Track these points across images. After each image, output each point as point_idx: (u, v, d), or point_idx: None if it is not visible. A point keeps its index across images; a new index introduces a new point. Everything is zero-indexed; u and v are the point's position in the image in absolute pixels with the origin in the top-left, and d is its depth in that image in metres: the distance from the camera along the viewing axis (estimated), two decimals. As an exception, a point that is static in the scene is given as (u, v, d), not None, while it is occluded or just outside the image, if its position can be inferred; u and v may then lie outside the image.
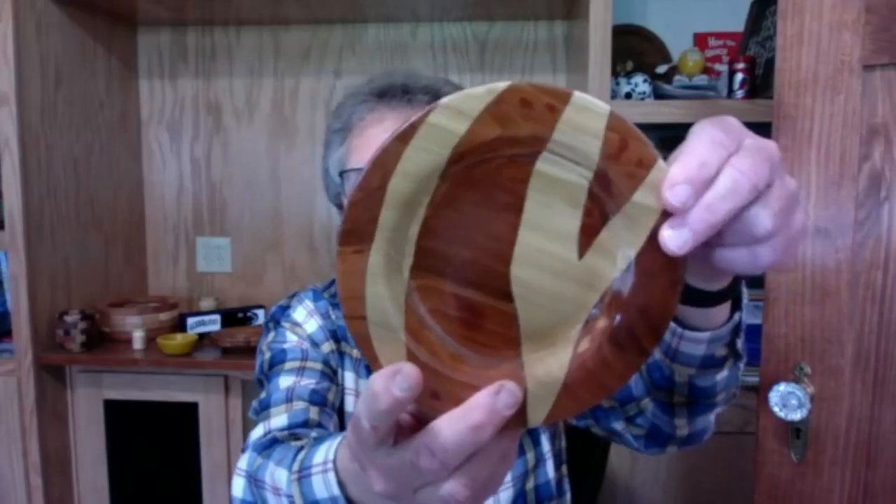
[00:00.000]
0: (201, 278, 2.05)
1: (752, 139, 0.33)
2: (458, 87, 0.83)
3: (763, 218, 0.31)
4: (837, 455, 0.93)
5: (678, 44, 1.83)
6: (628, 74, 1.59)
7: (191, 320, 1.73)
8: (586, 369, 0.35)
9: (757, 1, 1.68)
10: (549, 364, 0.36)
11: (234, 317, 1.79)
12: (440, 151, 0.32)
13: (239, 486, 0.65)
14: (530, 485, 0.83)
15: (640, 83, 1.55)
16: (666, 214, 0.32)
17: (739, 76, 1.54)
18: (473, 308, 0.36)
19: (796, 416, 0.90)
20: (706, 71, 1.71)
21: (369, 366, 0.36)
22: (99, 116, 1.82)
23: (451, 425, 0.32)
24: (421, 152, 0.32)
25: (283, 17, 1.91)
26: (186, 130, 2.02)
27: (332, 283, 0.94)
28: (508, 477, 0.81)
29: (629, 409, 0.71)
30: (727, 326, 0.49)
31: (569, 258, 0.35)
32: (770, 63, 1.48)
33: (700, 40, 1.86)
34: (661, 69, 1.75)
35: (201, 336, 1.72)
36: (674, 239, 0.31)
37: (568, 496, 0.88)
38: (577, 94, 0.32)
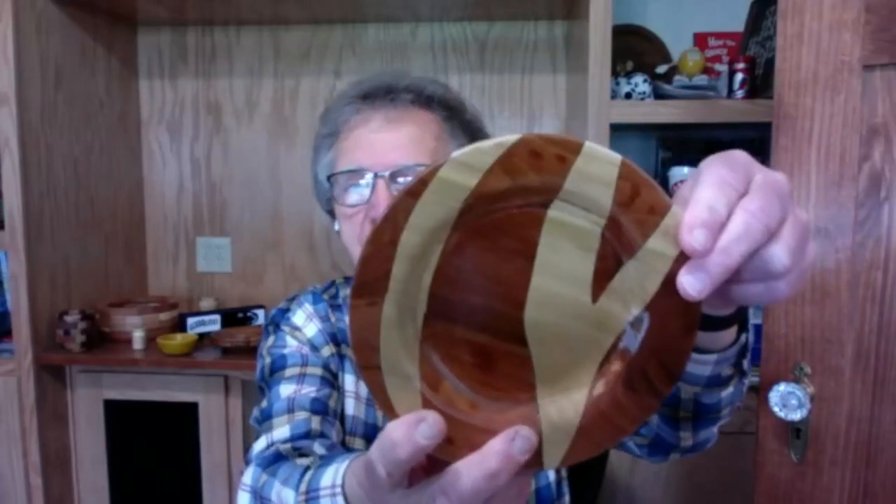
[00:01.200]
0: (201, 278, 2.05)
1: (761, 174, 0.32)
2: (443, 86, 0.83)
3: (780, 256, 0.31)
4: (837, 455, 0.93)
5: (678, 44, 1.83)
6: (628, 74, 1.59)
7: (191, 320, 1.73)
8: (601, 412, 0.36)
9: (757, 1, 1.68)
10: (564, 407, 0.36)
11: (234, 317, 1.79)
12: (451, 204, 0.33)
13: (244, 502, 0.65)
14: (531, 488, 0.83)
15: (640, 83, 1.55)
16: (680, 260, 0.32)
17: (739, 76, 1.54)
18: (487, 352, 0.36)
19: (796, 416, 0.90)
20: (706, 71, 1.71)
21: (384, 415, 0.36)
22: (99, 116, 1.82)
23: (467, 472, 0.32)
24: (431, 206, 0.33)
25: (283, 17, 1.91)
26: (186, 130, 2.02)
27: (332, 284, 0.94)
28: None
29: None
30: (734, 348, 0.50)
31: (583, 302, 0.35)
32: (770, 63, 1.48)
33: (700, 40, 1.86)
34: (661, 69, 1.75)
35: (201, 336, 1.72)
36: (693, 284, 0.31)
37: (567, 498, 0.88)
38: (588, 145, 0.32)
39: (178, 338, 1.65)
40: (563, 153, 0.32)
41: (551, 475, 0.85)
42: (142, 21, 1.96)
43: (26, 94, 1.54)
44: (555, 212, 0.34)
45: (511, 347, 0.36)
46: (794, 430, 0.95)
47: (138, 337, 1.64)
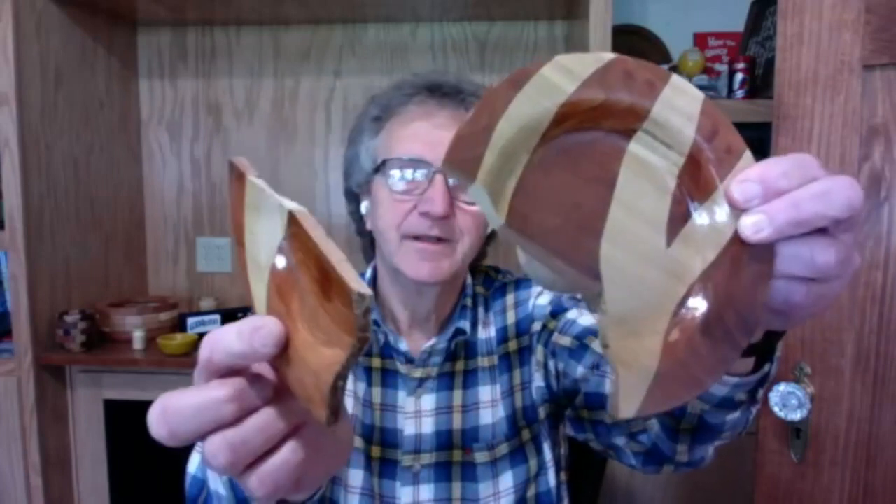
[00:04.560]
0: (201, 278, 2.05)
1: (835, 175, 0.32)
2: None
3: (827, 251, 0.31)
4: (837, 455, 0.93)
5: (678, 44, 1.82)
6: (628, 74, 1.59)
7: (191, 320, 1.73)
8: (678, 359, 0.35)
9: (757, 1, 1.68)
10: (637, 351, 0.35)
11: (234, 317, 1.78)
12: (547, 105, 0.33)
13: (194, 462, 0.65)
14: (531, 492, 0.83)
15: (640, 83, 1.55)
16: None
17: (739, 76, 1.54)
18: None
19: (796, 416, 0.90)
20: (706, 71, 1.71)
21: None
22: (99, 116, 1.82)
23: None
24: (530, 100, 0.33)
25: (283, 17, 1.91)
26: (186, 130, 2.02)
27: None
28: (510, 483, 0.81)
29: (634, 426, 0.71)
30: (756, 376, 0.49)
31: (657, 244, 0.35)
32: (770, 63, 1.48)
33: (700, 40, 1.86)
34: (661, 69, 1.75)
35: (201, 336, 1.72)
36: (748, 226, 0.31)
37: (566, 502, 0.88)
38: (675, 77, 0.33)
39: (178, 338, 1.65)
40: (653, 79, 0.33)
41: (552, 481, 0.85)
42: (142, 21, 1.96)
43: (26, 94, 1.54)
44: (635, 145, 0.34)
45: (582, 278, 0.35)
46: (795, 430, 0.95)
47: (138, 337, 1.64)
